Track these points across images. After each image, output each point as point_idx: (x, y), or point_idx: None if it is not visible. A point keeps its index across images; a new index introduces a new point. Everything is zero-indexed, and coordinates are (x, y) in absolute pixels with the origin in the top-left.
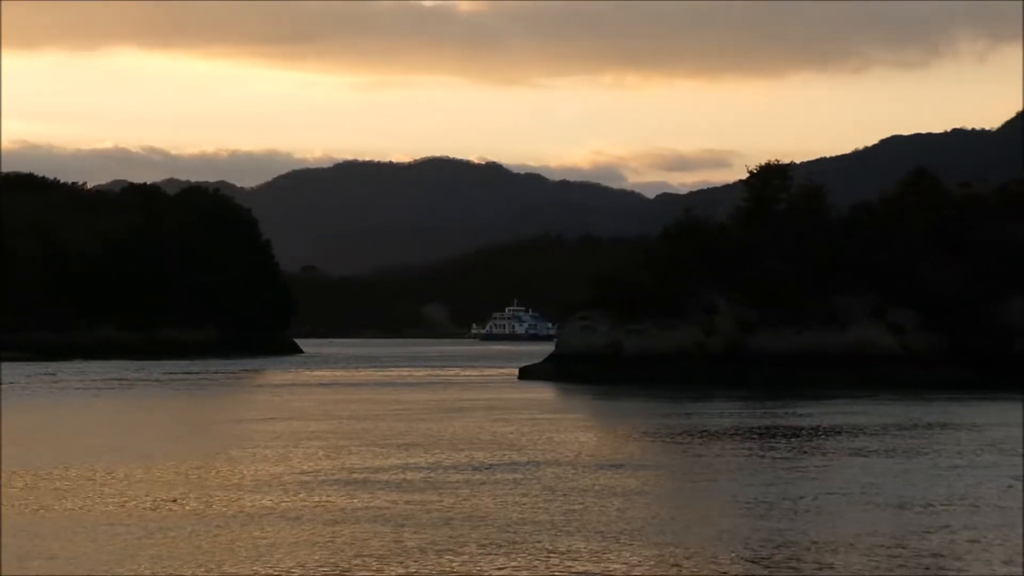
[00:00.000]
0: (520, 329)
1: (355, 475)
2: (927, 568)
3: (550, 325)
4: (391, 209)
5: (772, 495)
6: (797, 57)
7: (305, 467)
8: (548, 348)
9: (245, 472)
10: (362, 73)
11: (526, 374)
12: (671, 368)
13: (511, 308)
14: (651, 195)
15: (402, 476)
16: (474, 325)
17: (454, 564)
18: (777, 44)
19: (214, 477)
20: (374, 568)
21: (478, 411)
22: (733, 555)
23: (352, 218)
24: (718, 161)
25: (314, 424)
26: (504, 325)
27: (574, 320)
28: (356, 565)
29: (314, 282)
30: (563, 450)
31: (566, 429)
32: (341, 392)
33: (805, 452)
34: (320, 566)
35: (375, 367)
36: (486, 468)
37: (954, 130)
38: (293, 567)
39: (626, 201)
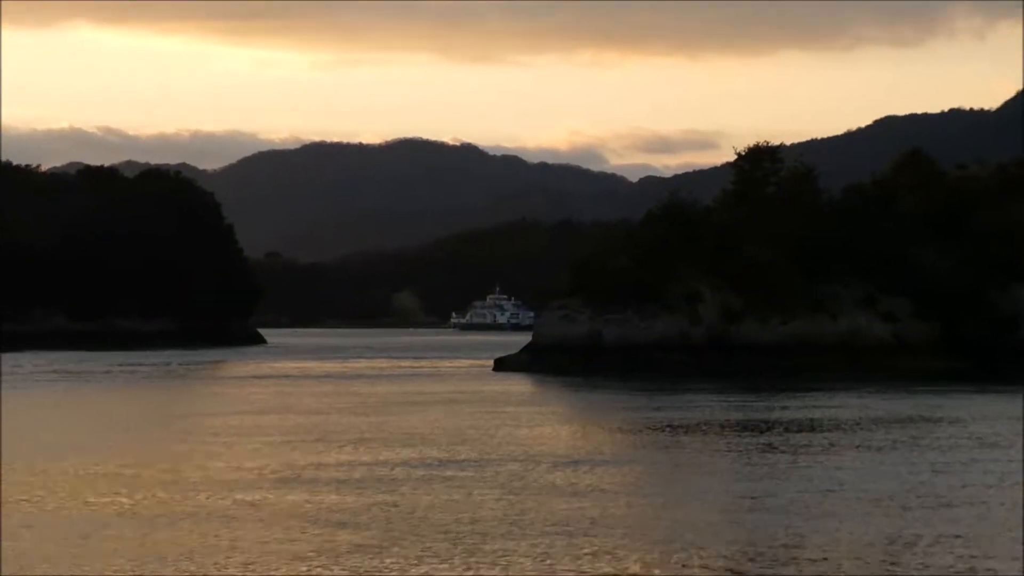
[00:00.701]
0: (502, 318)
1: (300, 472)
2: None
3: (533, 314)
4: (361, 193)
5: (738, 491)
6: (785, 34)
7: (250, 464)
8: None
9: (186, 469)
10: (330, 50)
11: (501, 365)
12: (653, 359)
13: (492, 296)
14: (634, 178)
15: (348, 473)
16: (454, 314)
17: (386, 567)
18: (763, 20)
19: (153, 474)
20: (302, 571)
21: (442, 404)
22: (691, 554)
23: (320, 202)
24: (704, 142)
25: (268, 418)
26: (485, 314)
27: (552, 308)
28: (284, 567)
29: (279, 269)
30: (524, 445)
31: (531, 423)
32: (303, 385)
33: (776, 448)
34: (246, 568)
35: (341, 358)
36: (437, 465)
37: (951, 110)
38: (212, 570)
39: (608, 184)
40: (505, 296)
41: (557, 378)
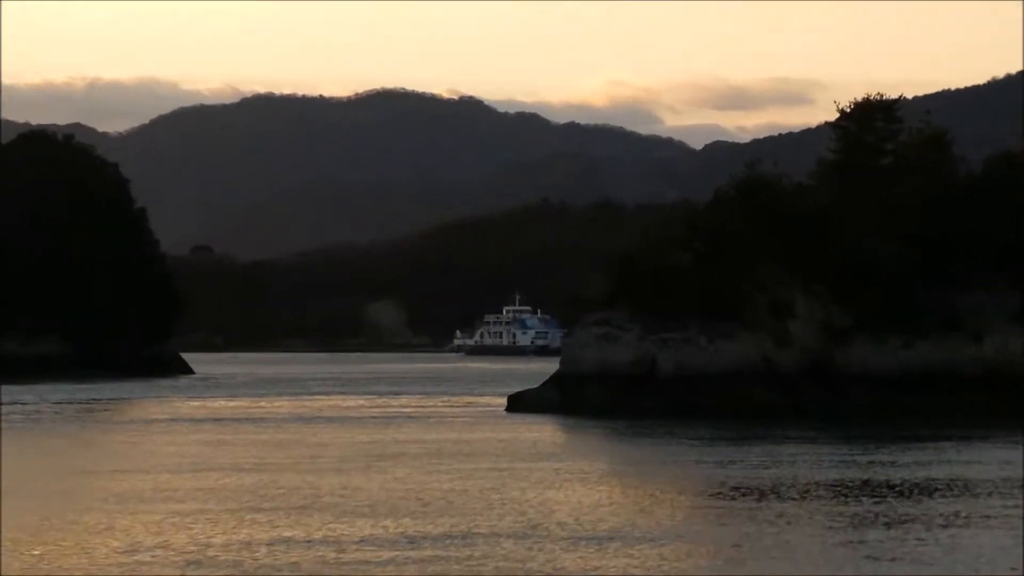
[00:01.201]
0: (524, 338)
1: (216, 555)
2: None
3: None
4: (322, 164)
5: None
6: None
7: (146, 541)
8: None
9: (58, 545)
10: None
11: (517, 404)
12: (725, 395)
13: (511, 309)
14: (697, 144)
15: (282, 556)
16: (458, 333)
17: None
18: None
19: (8, 550)
20: None
21: (427, 459)
22: None
23: (266, 178)
24: (793, 96)
25: (180, 479)
26: (501, 333)
27: (586, 325)
28: None
29: (211, 270)
30: (532, 515)
31: (546, 483)
32: (238, 432)
33: (896, 520)
34: None
35: (294, 395)
36: (409, 543)
37: None
38: None
39: (661, 153)
40: (528, 308)
41: (593, 422)
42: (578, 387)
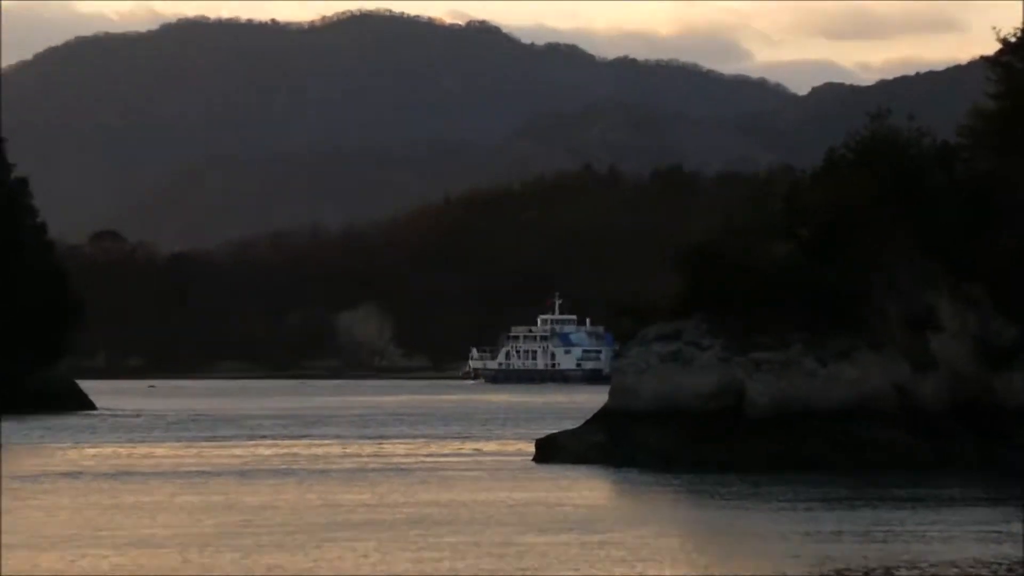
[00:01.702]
0: (567, 359)
1: None
2: None
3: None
4: (274, 119)
5: None
6: None
7: None
8: None
9: None
10: None
11: (549, 452)
12: (843, 438)
13: (548, 318)
14: (802, 87)
15: None
16: (474, 352)
17: None
18: None
19: None
20: None
21: (409, 527)
22: None
23: (196, 138)
24: (935, 21)
25: (60, 555)
26: (535, 352)
27: (646, 341)
28: None
29: (120, 265)
30: None
31: (577, 564)
32: (152, 490)
33: None
34: None
35: (232, 438)
36: None
37: None
38: None
39: (749, 101)
40: (573, 318)
41: (653, 477)
42: (633, 428)
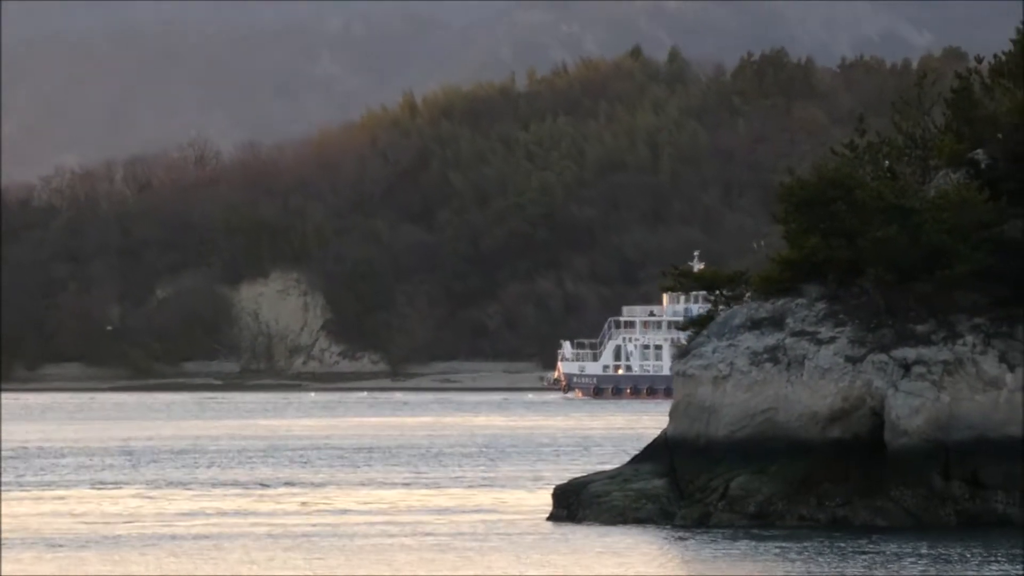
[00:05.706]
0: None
1: None
2: None
3: None
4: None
5: None
6: None
7: None
8: None
9: None
10: None
11: (573, 504)
12: None
13: (676, 296)
14: None
15: None
16: (566, 347)
17: None
18: None
19: None
20: None
21: None
22: None
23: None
24: None
25: None
26: (660, 350)
27: (731, 328)
28: None
29: None
30: None
31: None
32: None
33: None
34: None
35: (73, 484)
36: None
37: None
38: None
39: None
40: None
41: (747, 545)
42: (709, 467)
